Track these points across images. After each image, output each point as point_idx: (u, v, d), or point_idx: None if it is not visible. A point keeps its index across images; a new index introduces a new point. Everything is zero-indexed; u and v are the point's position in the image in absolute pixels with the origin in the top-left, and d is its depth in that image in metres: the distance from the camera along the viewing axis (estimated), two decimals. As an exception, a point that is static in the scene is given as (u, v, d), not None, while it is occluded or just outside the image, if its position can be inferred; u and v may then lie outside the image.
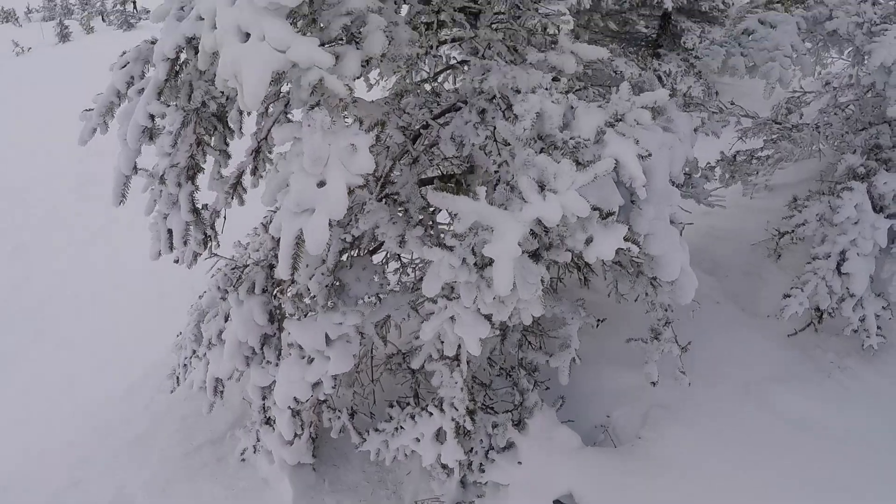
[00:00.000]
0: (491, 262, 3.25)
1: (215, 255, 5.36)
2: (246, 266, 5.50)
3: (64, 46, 40.29)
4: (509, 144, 3.48)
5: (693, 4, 13.94)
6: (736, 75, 6.11)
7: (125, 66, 4.60)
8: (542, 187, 3.28)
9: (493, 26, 4.45)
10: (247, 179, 5.14)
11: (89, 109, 4.70)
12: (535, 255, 3.51)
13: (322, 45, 3.54)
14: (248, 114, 4.03)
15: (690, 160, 5.30)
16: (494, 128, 4.07)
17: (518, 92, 3.88)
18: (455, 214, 3.28)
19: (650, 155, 3.89)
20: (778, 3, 8.11)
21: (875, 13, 6.57)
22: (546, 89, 3.56)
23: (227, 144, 4.63)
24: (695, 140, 5.48)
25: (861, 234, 6.35)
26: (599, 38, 13.27)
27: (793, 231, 6.96)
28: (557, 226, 3.29)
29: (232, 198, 5.06)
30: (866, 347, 6.51)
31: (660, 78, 13.62)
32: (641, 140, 3.67)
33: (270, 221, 5.75)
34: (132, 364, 9.63)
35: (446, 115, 4.93)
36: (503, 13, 4.86)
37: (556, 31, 4.54)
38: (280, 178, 3.30)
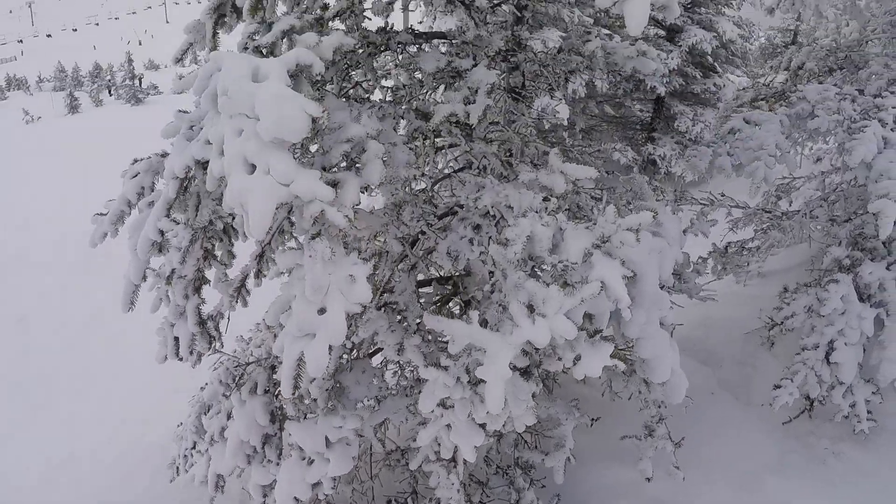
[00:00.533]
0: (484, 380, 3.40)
1: (218, 351, 5.50)
2: (248, 364, 5.63)
3: (73, 118, 40.98)
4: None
5: (685, 88, 14.41)
6: (723, 174, 6.37)
7: (136, 175, 4.83)
8: (531, 310, 3.44)
9: (488, 136, 4.68)
10: (250, 282, 5.31)
11: (101, 214, 4.92)
12: (526, 373, 3.66)
13: (323, 168, 3.77)
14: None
15: (680, 262, 5.47)
16: (490, 240, 4.26)
17: (510, 208, 4.08)
18: (450, 337, 3.44)
19: (635, 275, 4.10)
20: (762, 100, 8.43)
21: (854, 109, 6.84)
22: (536, 212, 3.75)
23: (234, 256, 4.83)
24: (684, 241, 5.67)
25: (848, 324, 6.49)
26: (596, 122, 13.67)
27: (782, 322, 7.10)
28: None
29: (236, 301, 5.22)
30: (858, 432, 6.59)
31: (654, 162, 14.04)
32: (630, 252, 3.86)
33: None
34: (132, 445, 9.68)
35: (444, 218, 5.15)
36: (498, 122, 5.12)
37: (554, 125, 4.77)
38: (282, 300, 3.48)
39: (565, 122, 5.06)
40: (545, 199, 4.00)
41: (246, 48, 4.03)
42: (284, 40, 3.93)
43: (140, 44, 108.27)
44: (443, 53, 4.49)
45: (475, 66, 4.32)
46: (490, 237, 4.26)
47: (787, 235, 7.99)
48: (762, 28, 17.45)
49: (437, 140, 4.86)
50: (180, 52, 4.57)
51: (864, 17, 9.01)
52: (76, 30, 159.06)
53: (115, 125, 33.22)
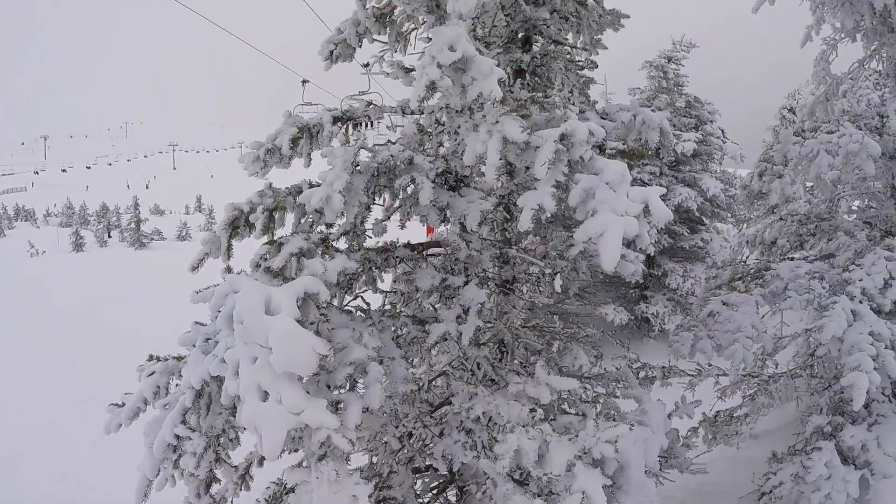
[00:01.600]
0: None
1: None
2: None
3: (77, 255, 41.84)
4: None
5: (674, 244, 15.04)
6: (705, 356, 6.75)
7: (152, 374, 5.20)
8: (520, 521, 3.72)
9: (479, 341, 5.07)
10: (254, 469, 5.56)
11: (119, 405, 5.24)
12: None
13: (328, 386, 4.14)
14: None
15: (665, 448, 5.73)
16: (482, 444, 4.56)
17: (500, 415, 4.41)
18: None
19: (622, 465, 4.39)
20: (739, 279, 8.89)
21: (823, 287, 7.29)
22: (524, 426, 4.09)
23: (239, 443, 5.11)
24: (668, 427, 5.96)
25: (834, 488, 6.67)
26: (587, 283, 14.15)
27: (771, 491, 7.26)
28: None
29: (240, 488, 5.45)
30: None
31: (648, 320, 14.51)
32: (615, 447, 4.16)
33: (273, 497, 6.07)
34: None
35: (440, 409, 5.46)
36: (490, 322, 5.53)
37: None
38: (293, 512, 3.76)
39: (559, 290, 5.44)
40: (532, 410, 4.34)
41: (258, 267, 4.49)
42: (293, 260, 4.39)
43: (147, 187, 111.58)
44: (437, 270, 4.94)
45: (467, 283, 4.77)
46: (482, 441, 4.56)
47: (775, 398, 8.26)
48: (745, 163, 18.29)
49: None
50: (196, 261, 5.01)
51: (832, 189, 9.61)
52: (90, 167, 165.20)
53: (118, 268, 33.91)
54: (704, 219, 16.28)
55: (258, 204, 4.59)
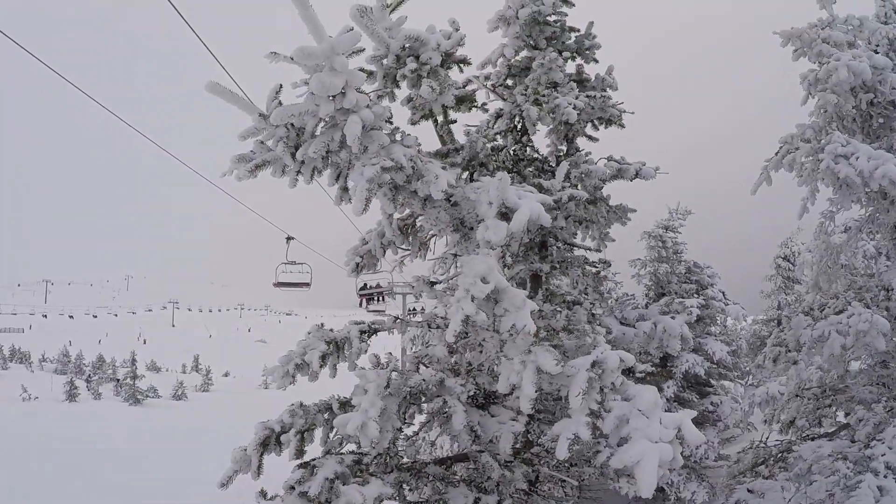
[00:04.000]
0: None
1: None
2: None
3: (69, 405, 40.85)
4: None
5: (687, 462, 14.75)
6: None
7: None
8: None
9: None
10: None
11: None
12: None
13: None
14: None
15: None
16: None
17: None
18: None
19: None
20: (762, 464, 8.75)
21: (847, 467, 7.15)
22: None
23: None
24: None
25: None
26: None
27: None
28: None
29: None
30: None
31: (662, 489, 13.96)
32: None
33: None
34: None
35: None
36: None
37: None
38: None
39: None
40: None
41: (292, 490, 4.41)
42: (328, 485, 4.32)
43: (144, 342, 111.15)
44: (469, 490, 4.87)
45: (500, 502, 4.68)
46: None
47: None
48: (748, 317, 18.31)
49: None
50: (226, 478, 4.92)
51: (844, 362, 9.60)
52: (96, 316, 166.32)
53: (111, 424, 33.14)
54: (712, 381, 16.13)
55: (290, 425, 4.59)
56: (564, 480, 5.37)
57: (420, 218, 6.09)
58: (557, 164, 7.45)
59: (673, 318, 6.62)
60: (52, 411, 36.82)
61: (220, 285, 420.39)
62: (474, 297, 4.24)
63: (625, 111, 7.75)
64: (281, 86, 4.93)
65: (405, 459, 5.02)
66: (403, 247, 6.17)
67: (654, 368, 6.51)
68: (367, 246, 5.89)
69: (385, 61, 5.62)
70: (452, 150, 5.81)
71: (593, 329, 5.63)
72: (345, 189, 5.16)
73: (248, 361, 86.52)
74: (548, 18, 7.40)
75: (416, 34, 5.44)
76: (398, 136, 5.06)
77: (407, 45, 5.46)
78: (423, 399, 4.69)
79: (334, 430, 4.48)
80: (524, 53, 7.55)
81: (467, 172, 6.05)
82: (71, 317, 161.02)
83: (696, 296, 16.68)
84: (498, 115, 7.46)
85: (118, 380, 49.18)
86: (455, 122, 6.08)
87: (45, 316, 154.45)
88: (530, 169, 7.32)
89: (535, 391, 4.31)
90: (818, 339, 7.85)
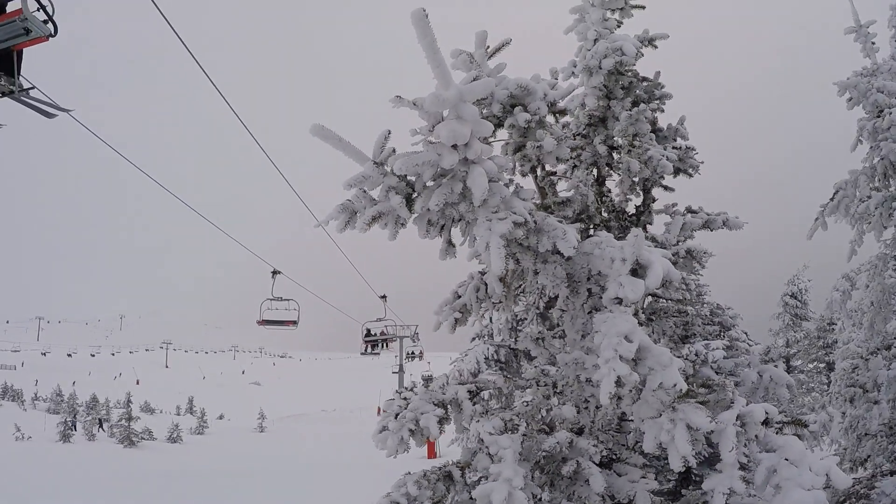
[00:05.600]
0: None
1: None
2: None
3: (63, 446, 40.16)
4: None
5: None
6: None
7: None
8: None
9: None
10: None
11: None
12: None
13: None
14: None
15: None
16: None
17: None
18: None
19: None
20: (843, 502, 8.56)
21: None
22: None
23: None
24: None
25: None
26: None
27: None
28: None
29: None
30: None
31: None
32: None
33: None
34: None
35: None
36: None
37: None
38: None
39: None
40: None
41: None
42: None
43: (137, 383, 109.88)
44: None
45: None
46: None
47: None
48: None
49: None
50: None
51: None
52: (94, 356, 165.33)
53: (105, 467, 32.50)
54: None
55: (417, 498, 4.26)
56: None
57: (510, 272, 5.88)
58: (636, 216, 7.30)
59: (776, 365, 6.52)
60: (48, 451, 36.14)
61: (213, 327, 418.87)
62: (622, 357, 4.02)
63: (702, 162, 7.63)
64: (389, 132, 4.72)
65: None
66: (493, 300, 5.92)
67: (788, 418, 6.39)
68: (462, 300, 5.62)
69: (485, 111, 5.42)
70: (557, 203, 5.61)
71: (733, 386, 5.46)
72: (450, 243, 4.95)
73: (242, 404, 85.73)
74: (625, 68, 7.30)
75: (524, 83, 5.26)
76: (512, 189, 4.85)
77: (513, 93, 5.28)
78: (557, 463, 4.42)
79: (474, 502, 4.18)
80: (601, 103, 7.42)
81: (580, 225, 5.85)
82: (69, 355, 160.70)
83: (719, 337, 16.41)
84: (574, 166, 7.29)
85: (100, 421, 48.40)
86: (556, 173, 5.89)
87: (45, 354, 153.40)
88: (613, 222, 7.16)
89: (693, 452, 4.22)
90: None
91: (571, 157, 6.87)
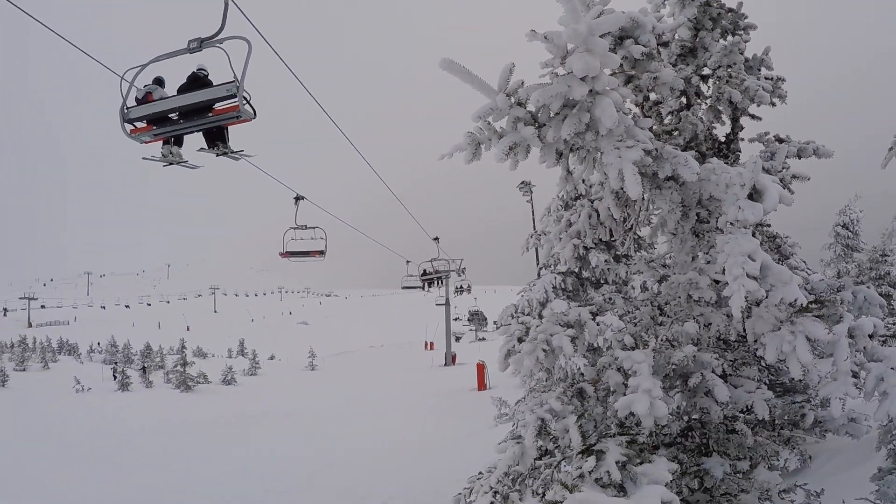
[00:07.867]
0: None
1: None
2: None
3: (122, 395, 41.13)
4: None
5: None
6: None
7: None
8: None
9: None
10: None
11: None
12: None
13: None
14: None
15: None
16: None
17: None
18: None
19: None
20: None
21: None
22: None
23: None
24: None
25: None
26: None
27: None
28: None
29: None
30: None
31: None
32: None
33: None
34: None
35: None
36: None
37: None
38: None
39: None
40: None
41: (582, 478, 4.46)
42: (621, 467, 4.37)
43: (188, 329, 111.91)
44: (722, 458, 4.95)
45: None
46: None
47: None
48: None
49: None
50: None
51: None
52: (128, 307, 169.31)
53: (165, 410, 33.57)
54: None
55: (560, 413, 4.63)
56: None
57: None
58: (726, 143, 7.47)
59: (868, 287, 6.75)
60: (105, 401, 37.33)
61: (258, 269, 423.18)
62: (749, 274, 4.30)
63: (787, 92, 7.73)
64: (514, 64, 4.95)
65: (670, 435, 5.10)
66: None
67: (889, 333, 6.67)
68: (576, 227, 5.91)
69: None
70: (667, 132, 5.84)
71: (841, 301, 5.73)
72: (569, 171, 5.21)
73: (292, 344, 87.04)
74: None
75: (635, 16, 5.46)
76: (630, 118, 5.08)
77: (624, 26, 5.47)
78: (684, 375, 4.76)
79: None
80: (691, 34, 7.53)
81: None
82: (127, 306, 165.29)
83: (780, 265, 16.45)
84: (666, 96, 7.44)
85: (144, 368, 49.77)
86: (661, 102, 6.10)
87: (104, 307, 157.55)
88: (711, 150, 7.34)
89: (812, 360, 4.52)
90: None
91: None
